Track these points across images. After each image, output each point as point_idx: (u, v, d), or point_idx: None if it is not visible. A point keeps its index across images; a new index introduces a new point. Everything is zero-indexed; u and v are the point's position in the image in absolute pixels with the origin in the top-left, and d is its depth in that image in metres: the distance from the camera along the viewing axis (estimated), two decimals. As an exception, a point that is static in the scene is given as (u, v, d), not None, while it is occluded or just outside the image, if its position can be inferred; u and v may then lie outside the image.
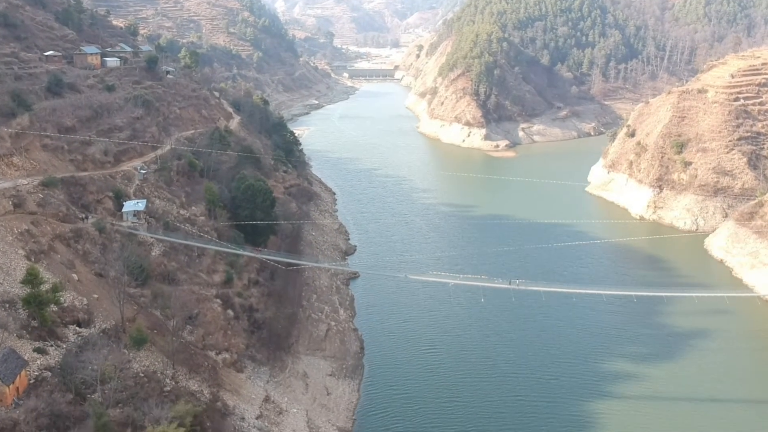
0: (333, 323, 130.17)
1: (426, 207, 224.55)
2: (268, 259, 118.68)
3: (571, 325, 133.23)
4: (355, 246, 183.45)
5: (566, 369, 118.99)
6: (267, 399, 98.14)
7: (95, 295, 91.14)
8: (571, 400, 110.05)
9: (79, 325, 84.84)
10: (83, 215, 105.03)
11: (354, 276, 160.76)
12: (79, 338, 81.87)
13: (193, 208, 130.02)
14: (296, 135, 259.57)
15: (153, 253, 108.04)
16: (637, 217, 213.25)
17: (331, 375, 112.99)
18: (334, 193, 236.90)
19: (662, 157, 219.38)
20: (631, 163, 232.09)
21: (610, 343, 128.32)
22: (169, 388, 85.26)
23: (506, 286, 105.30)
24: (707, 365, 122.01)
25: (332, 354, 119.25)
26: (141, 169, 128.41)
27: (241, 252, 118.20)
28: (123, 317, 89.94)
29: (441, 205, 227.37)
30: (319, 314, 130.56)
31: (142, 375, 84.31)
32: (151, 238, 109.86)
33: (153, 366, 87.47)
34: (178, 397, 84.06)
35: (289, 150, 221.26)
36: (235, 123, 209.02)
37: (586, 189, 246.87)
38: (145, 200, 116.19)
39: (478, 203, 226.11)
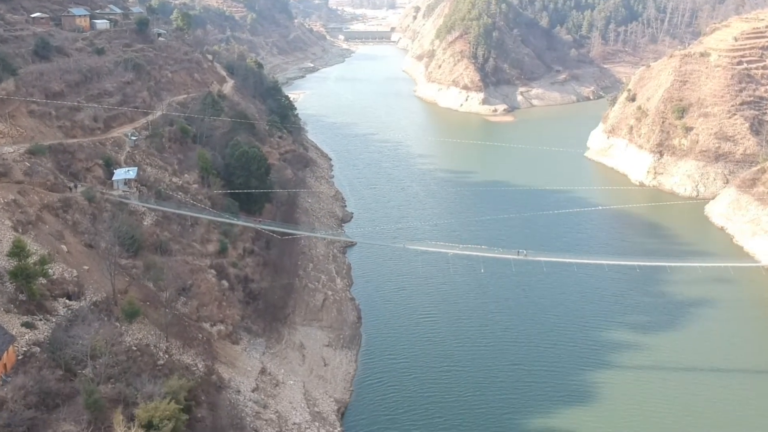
0: (330, 293, 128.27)
1: (423, 173, 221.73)
2: (266, 230, 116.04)
3: (572, 293, 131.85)
4: (352, 213, 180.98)
5: (565, 337, 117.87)
6: (263, 371, 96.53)
7: (85, 267, 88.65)
8: (570, 369, 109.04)
9: (69, 298, 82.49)
10: (72, 184, 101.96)
11: (351, 244, 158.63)
12: (69, 312, 79.57)
13: (186, 175, 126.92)
14: (291, 99, 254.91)
15: (145, 223, 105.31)
16: (637, 183, 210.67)
17: (328, 345, 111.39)
18: (330, 159, 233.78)
19: (663, 122, 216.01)
20: (631, 128, 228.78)
21: (610, 311, 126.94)
22: (162, 362, 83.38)
23: (513, 256, 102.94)
24: (708, 334, 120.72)
25: (329, 324, 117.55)
26: (132, 135, 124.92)
27: (236, 222, 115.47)
28: (114, 289, 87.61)
29: (438, 170, 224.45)
30: (316, 284, 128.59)
31: (135, 349, 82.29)
32: (143, 207, 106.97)
33: (146, 339, 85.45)
34: (171, 371, 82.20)
35: (284, 115, 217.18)
36: (228, 87, 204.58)
37: (585, 154, 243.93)
38: (136, 168, 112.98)
39: (476, 169, 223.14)
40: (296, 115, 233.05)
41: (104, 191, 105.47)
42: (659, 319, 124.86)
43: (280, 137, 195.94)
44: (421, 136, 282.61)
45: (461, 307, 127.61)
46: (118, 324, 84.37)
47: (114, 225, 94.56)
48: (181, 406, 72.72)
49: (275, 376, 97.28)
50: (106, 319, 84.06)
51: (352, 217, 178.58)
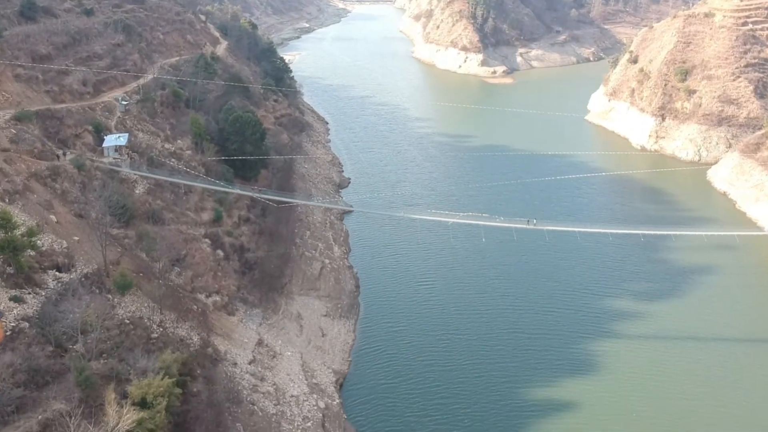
0: (327, 261, 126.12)
1: (421, 136, 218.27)
2: (266, 199, 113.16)
3: (574, 261, 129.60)
4: (349, 178, 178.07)
5: (567, 304, 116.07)
6: (260, 342, 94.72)
7: (75, 238, 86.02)
8: (571, 336, 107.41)
9: (59, 270, 79.99)
10: (60, 151, 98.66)
11: (348, 210, 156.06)
12: (59, 284, 77.19)
13: (179, 141, 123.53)
14: (286, 61, 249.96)
15: (137, 191, 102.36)
16: (638, 147, 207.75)
17: (326, 315, 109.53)
18: (327, 123, 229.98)
19: (665, 85, 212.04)
20: (632, 90, 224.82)
21: (612, 278, 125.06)
22: (156, 336, 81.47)
23: (522, 225, 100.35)
24: (711, 301, 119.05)
25: (327, 293, 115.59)
26: (122, 100, 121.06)
27: (232, 190, 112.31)
28: (106, 260, 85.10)
29: (436, 134, 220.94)
30: (313, 252, 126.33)
31: (128, 322, 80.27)
32: (135, 174, 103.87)
33: (139, 312, 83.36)
34: (166, 344, 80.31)
35: (280, 77, 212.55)
36: (222, 49, 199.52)
37: (586, 117, 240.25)
38: (127, 134, 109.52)
39: (475, 133, 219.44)
40: (292, 78, 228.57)
41: (94, 158, 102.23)
42: (661, 286, 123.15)
43: (275, 101, 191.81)
44: (419, 98, 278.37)
45: (461, 273, 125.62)
46: (110, 296, 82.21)
47: (104, 194, 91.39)
48: (175, 379, 71.25)
49: (272, 347, 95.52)
50: (97, 291, 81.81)
51: (349, 183, 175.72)
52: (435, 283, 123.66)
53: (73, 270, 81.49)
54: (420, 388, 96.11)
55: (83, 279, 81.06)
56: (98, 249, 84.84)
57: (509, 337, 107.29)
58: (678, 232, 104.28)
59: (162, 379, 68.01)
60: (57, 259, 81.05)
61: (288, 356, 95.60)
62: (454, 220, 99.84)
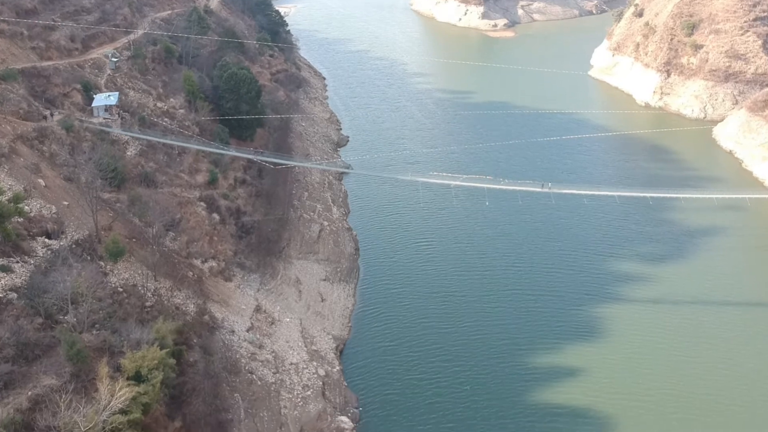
0: (326, 223, 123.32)
1: (420, 92, 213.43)
2: (263, 161, 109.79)
3: (579, 222, 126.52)
4: (348, 137, 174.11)
5: (570, 265, 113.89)
6: (258, 309, 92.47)
7: (65, 203, 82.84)
8: (574, 298, 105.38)
9: (49, 237, 77.05)
10: (48, 112, 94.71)
11: (347, 169, 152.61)
12: (49, 252, 74.34)
13: (172, 99, 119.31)
14: (282, 14, 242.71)
15: (128, 153, 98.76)
16: (642, 104, 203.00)
17: (325, 280, 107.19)
18: (324, 78, 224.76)
19: (671, 40, 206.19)
20: (637, 45, 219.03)
21: (618, 240, 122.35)
22: (150, 304, 79.08)
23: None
24: (718, 263, 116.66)
25: (326, 257, 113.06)
26: (112, 56, 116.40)
27: (228, 152, 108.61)
28: (97, 226, 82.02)
29: (436, 90, 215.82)
30: (311, 214, 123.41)
31: (121, 290, 77.78)
32: (126, 136, 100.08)
33: (132, 279, 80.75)
34: (160, 313, 77.94)
35: (275, 31, 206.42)
36: (215, 2, 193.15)
37: (589, 73, 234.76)
38: (117, 93, 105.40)
39: (475, 89, 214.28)
40: (288, 32, 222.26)
41: (83, 119, 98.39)
42: (667, 248, 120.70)
43: (271, 56, 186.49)
44: (418, 52, 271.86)
45: (462, 234, 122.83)
46: (102, 264, 79.47)
47: (95, 156, 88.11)
48: (169, 349, 69.06)
49: (271, 313, 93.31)
50: (89, 258, 79.09)
51: (347, 141, 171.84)
52: (436, 244, 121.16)
53: (63, 236, 78.58)
54: (421, 352, 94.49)
55: (74, 246, 78.27)
56: (89, 214, 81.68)
57: (511, 299, 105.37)
58: (689, 195, 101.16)
59: (156, 349, 65.88)
60: (46, 226, 78.07)
61: (287, 323, 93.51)
62: (458, 183, 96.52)
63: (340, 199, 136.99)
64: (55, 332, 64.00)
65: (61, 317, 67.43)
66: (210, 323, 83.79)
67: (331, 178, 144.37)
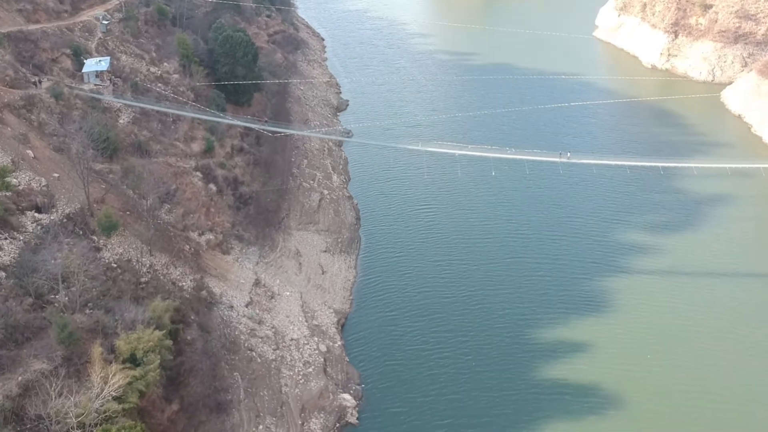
0: (326, 191, 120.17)
1: (420, 54, 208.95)
2: (262, 129, 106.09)
3: (585, 190, 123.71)
4: (347, 101, 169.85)
5: (576, 235, 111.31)
6: (257, 282, 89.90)
7: (55, 174, 79.55)
8: (581, 268, 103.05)
9: (39, 211, 73.92)
10: (36, 78, 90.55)
11: (347, 135, 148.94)
12: (39, 227, 71.31)
13: (165, 64, 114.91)
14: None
15: (121, 121, 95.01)
16: (649, 66, 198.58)
17: (325, 251, 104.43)
18: (323, 39, 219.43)
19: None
20: (644, 5, 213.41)
21: (625, 209, 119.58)
22: (146, 280, 76.49)
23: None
24: (730, 234, 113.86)
25: (326, 227, 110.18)
26: (103, 19, 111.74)
27: (225, 120, 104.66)
28: (89, 199, 78.85)
29: (437, 52, 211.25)
30: (311, 182, 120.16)
31: (115, 266, 75.06)
32: (118, 103, 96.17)
33: (127, 254, 77.99)
34: (156, 289, 75.48)
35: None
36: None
37: (594, 34, 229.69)
38: (108, 57, 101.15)
39: (477, 50, 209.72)
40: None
41: (73, 85, 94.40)
42: (675, 217, 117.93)
43: (268, 16, 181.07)
44: (418, 12, 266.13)
45: (465, 201, 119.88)
46: (95, 238, 76.63)
47: (86, 125, 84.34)
48: (167, 330, 66.68)
49: (270, 287, 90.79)
50: (81, 233, 76.17)
51: (347, 105, 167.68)
52: (438, 212, 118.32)
53: (53, 210, 75.49)
54: (423, 323, 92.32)
55: (65, 220, 75.25)
56: (80, 186, 78.46)
57: (516, 269, 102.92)
58: (703, 165, 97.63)
59: (152, 331, 63.46)
60: (36, 199, 74.86)
61: (287, 296, 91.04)
62: (464, 152, 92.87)
63: (341, 166, 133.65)
64: (46, 313, 61.43)
65: (53, 296, 64.78)
66: (208, 299, 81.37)
67: (330, 144, 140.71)
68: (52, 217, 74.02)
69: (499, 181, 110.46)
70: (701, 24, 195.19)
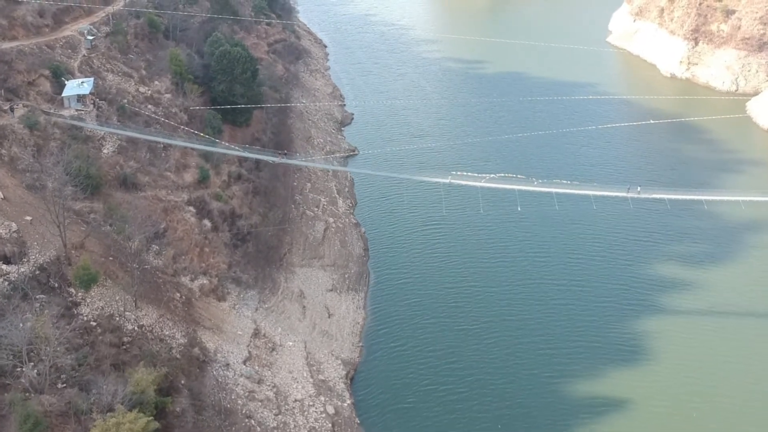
0: (331, 219, 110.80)
1: (428, 62, 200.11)
2: (264, 159, 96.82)
3: (610, 221, 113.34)
4: (353, 114, 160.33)
5: (606, 274, 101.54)
6: (256, 333, 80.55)
7: (28, 218, 70.26)
8: (612, 311, 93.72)
9: (7, 262, 64.84)
10: (9, 105, 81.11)
11: (352, 153, 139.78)
12: (6, 284, 62.12)
13: (156, 83, 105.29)
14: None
15: (105, 151, 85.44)
16: (668, 75, 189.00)
17: (331, 290, 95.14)
18: (325, 46, 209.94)
19: (700, 4, 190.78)
20: (662, 10, 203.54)
21: (654, 241, 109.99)
22: (130, 339, 67.22)
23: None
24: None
25: (332, 261, 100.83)
26: (88, 33, 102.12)
27: (221, 150, 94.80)
28: (66, 245, 69.58)
29: (444, 59, 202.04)
30: (315, 210, 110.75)
31: (94, 324, 65.96)
32: (102, 131, 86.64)
33: (109, 308, 68.82)
34: (142, 351, 66.23)
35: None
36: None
37: (608, 39, 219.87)
38: (92, 79, 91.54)
39: (486, 58, 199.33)
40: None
41: (52, 111, 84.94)
42: (711, 249, 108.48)
43: (268, 24, 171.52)
44: (424, 15, 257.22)
45: (484, 233, 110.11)
46: (72, 291, 67.43)
47: (64, 158, 74.83)
48: (151, 412, 57.51)
49: (271, 337, 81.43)
50: (56, 286, 67.06)
51: (352, 119, 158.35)
52: (454, 242, 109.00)
53: (24, 260, 66.33)
54: (443, 375, 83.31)
55: (37, 272, 66.12)
56: (56, 231, 69.07)
57: (542, 312, 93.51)
58: (746, 198, 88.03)
59: (134, 415, 54.14)
60: (3, 248, 65.70)
61: (290, 347, 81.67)
62: (486, 185, 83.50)
63: (346, 189, 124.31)
64: (7, 398, 52.15)
65: (19, 368, 55.58)
66: (201, 357, 71.99)
67: (335, 163, 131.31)
68: (22, 269, 64.89)
69: (525, 215, 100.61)
70: (723, 30, 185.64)
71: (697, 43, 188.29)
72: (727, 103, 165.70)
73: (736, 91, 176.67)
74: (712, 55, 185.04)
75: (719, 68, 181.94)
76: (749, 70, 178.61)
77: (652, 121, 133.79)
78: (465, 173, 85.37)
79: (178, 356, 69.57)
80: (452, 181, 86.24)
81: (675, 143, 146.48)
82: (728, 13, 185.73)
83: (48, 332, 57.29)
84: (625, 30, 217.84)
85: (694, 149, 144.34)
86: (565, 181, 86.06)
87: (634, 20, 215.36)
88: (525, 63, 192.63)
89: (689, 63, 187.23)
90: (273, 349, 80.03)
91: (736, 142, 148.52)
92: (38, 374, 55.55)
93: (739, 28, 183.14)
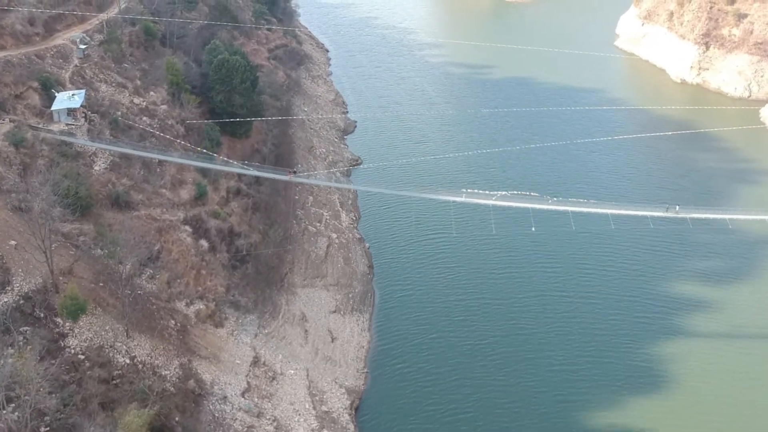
0: (334, 235, 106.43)
1: (432, 67, 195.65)
2: (264, 177, 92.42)
3: (629, 239, 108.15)
4: (356, 122, 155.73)
5: (625, 294, 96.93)
6: (256, 361, 76.20)
7: (12, 242, 65.95)
8: (634, 336, 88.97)
9: (-11, 292, 60.50)
10: (-6, 120, 77.01)
11: (356, 163, 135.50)
12: (-15, 319, 57.81)
13: (152, 93, 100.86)
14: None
15: (96, 168, 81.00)
16: (678, 81, 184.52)
17: (335, 312, 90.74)
18: (327, 51, 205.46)
19: (711, 8, 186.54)
20: (671, 13, 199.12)
21: (673, 258, 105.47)
22: (120, 372, 62.91)
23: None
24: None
25: (335, 280, 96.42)
26: (81, 42, 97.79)
27: (218, 168, 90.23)
28: (53, 271, 65.33)
29: (449, 64, 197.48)
30: (317, 225, 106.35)
31: (82, 357, 61.71)
32: (93, 146, 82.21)
33: (98, 338, 64.61)
34: (133, 387, 61.88)
35: (273, 1, 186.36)
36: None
37: (615, 43, 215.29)
38: (83, 91, 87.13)
39: (492, 62, 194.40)
40: (287, 1, 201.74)
41: (40, 126, 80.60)
42: (733, 266, 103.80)
43: (268, 29, 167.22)
44: (428, 20, 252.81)
45: (494, 247, 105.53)
46: (59, 321, 63.16)
47: (52, 177, 70.61)
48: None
49: (271, 366, 77.05)
50: (42, 316, 62.80)
51: (355, 127, 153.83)
52: (462, 258, 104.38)
53: (8, 289, 62.04)
54: (454, 400, 79.11)
55: (22, 301, 61.86)
56: (43, 257, 64.78)
57: (558, 337, 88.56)
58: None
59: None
60: (-14, 277, 61.56)
61: (291, 376, 77.30)
62: (498, 203, 79.04)
63: (350, 201, 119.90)
64: (-17, 449, 47.95)
65: (-2, 411, 51.30)
66: (196, 390, 67.66)
67: (338, 174, 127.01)
68: (5, 299, 60.58)
69: (540, 235, 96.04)
70: (735, 35, 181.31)
71: (708, 48, 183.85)
72: (740, 111, 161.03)
73: (748, 97, 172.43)
74: (723, 60, 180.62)
75: (731, 74, 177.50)
76: (762, 76, 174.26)
77: (669, 133, 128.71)
78: (476, 191, 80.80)
79: (172, 390, 65.29)
80: (465, 199, 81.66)
81: (692, 153, 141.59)
82: (740, 17, 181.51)
83: (30, 372, 53.00)
84: (633, 34, 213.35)
85: (713, 160, 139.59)
86: (581, 200, 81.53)
87: (643, 24, 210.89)
88: (530, 68, 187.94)
89: (700, 68, 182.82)
90: (273, 379, 75.65)
91: (748, 148, 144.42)
92: (18, 419, 51.22)
93: (751, 32, 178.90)
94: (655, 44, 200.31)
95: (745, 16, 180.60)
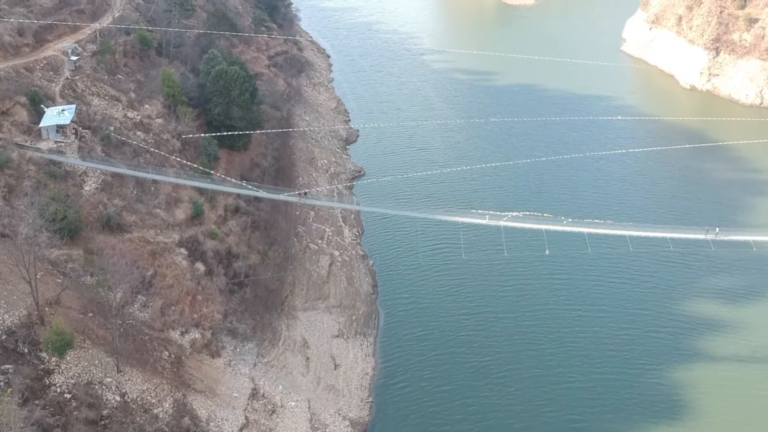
0: (336, 252, 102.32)
1: (435, 72, 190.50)
2: (262, 197, 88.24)
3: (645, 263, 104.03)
4: (358, 131, 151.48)
5: (645, 318, 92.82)
6: (254, 393, 72.13)
7: (-5, 272, 61.90)
8: (650, 363, 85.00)
9: (-32, 328, 56.56)
10: (-21, 140, 72.96)
11: (359, 174, 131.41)
12: (-35, 357, 53.87)
13: (147, 106, 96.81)
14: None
15: (86, 188, 76.96)
16: (688, 87, 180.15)
17: (338, 336, 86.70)
18: (329, 56, 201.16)
19: (721, 12, 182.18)
20: (680, 18, 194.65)
21: (689, 278, 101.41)
22: (109, 412, 58.92)
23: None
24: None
25: (338, 302, 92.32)
26: (72, 53, 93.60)
27: (215, 188, 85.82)
28: (38, 302, 61.23)
29: (452, 70, 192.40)
30: (319, 242, 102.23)
31: (69, 396, 57.69)
32: (84, 165, 78.13)
33: (87, 374, 60.65)
34: (123, 426, 57.92)
35: (274, 6, 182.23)
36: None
37: (622, 48, 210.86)
38: (74, 106, 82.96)
39: (496, 69, 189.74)
40: (288, 5, 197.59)
41: (27, 144, 76.58)
42: (756, 285, 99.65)
43: (268, 36, 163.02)
44: (431, 24, 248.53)
45: (500, 261, 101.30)
46: (44, 357, 59.15)
47: (39, 200, 66.62)
48: None
49: (271, 398, 72.96)
50: (26, 351, 58.83)
51: (358, 137, 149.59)
52: (473, 277, 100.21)
53: (-10, 323, 58.09)
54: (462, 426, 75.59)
55: (4, 337, 57.96)
56: (28, 285, 60.70)
57: (573, 365, 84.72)
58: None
59: None
60: (-34, 311, 57.61)
61: (292, 408, 73.24)
62: (507, 224, 74.92)
63: (353, 216, 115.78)
64: None
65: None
66: (191, 428, 63.61)
67: (340, 187, 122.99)
68: (-15, 337, 56.63)
69: (555, 257, 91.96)
70: (746, 40, 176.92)
71: (718, 53, 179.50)
72: (750, 117, 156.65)
73: (760, 104, 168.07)
74: (734, 66, 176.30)
75: (742, 80, 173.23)
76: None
77: (687, 146, 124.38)
78: (487, 211, 76.60)
79: (165, 430, 61.35)
80: (475, 220, 77.69)
81: (709, 165, 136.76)
82: (751, 21, 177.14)
83: (11, 418, 49.07)
84: (640, 38, 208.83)
85: (718, 163, 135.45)
86: (598, 221, 77.34)
87: (650, 28, 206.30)
88: (536, 74, 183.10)
89: (710, 74, 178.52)
90: (273, 412, 71.59)
91: (764, 158, 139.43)
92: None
93: (763, 37, 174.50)
94: (664, 49, 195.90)
95: (757, 20, 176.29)
